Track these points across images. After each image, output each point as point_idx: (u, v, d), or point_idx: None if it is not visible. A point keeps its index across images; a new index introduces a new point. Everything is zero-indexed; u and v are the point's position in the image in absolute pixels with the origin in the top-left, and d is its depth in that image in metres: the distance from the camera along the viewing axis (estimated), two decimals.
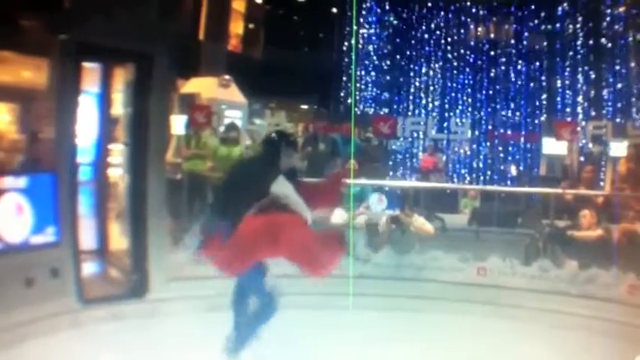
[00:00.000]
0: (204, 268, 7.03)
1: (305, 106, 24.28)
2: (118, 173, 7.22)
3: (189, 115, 10.37)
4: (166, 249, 6.70)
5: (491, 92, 17.56)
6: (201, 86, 13.91)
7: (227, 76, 14.07)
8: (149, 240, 6.34)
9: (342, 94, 18.53)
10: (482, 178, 16.82)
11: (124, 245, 6.62)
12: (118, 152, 7.14)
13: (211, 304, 6.43)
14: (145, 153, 6.38)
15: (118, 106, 7.00)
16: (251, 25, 23.41)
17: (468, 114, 17.27)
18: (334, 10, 20.69)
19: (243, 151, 10.63)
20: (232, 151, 9.70)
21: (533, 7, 17.25)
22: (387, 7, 18.29)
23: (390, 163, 16.23)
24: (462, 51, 17.80)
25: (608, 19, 16.13)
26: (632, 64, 15.66)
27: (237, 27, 21.97)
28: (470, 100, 17.66)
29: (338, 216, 8.59)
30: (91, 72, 6.70)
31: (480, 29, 17.98)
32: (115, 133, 7.26)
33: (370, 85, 18.46)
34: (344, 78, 18.38)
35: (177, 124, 10.98)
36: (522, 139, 16.34)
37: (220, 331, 5.65)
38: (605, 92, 16.33)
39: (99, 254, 7.01)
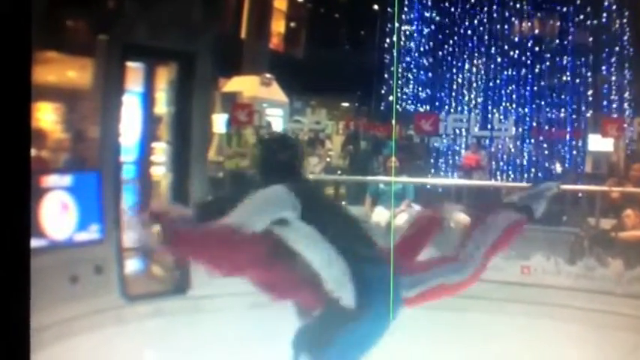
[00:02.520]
0: None
1: (346, 104, 24.24)
2: (160, 172, 7.28)
3: (230, 114, 10.43)
4: None
5: (535, 88, 17.23)
6: (243, 85, 14.00)
7: (268, 75, 14.14)
8: None
9: (383, 92, 18.42)
10: (526, 175, 16.53)
11: None
12: (160, 151, 7.21)
13: (254, 301, 6.40)
14: (187, 151, 6.43)
15: (161, 105, 7.05)
16: (292, 24, 23.47)
17: (512, 111, 16.98)
18: (376, 7, 20.61)
19: None
20: None
21: (578, 1, 16.89)
22: (429, 3, 18.10)
23: (432, 160, 16.09)
24: (506, 47, 17.51)
25: None
26: None
27: (278, 25, 22.05)
28: (514, 96, 17.37)
29: (379, 214, 8.55)
30: (134, 71, 6.76)
31: (524, 25, 17.67)
32: (157, 131, 7.33)
33: (412, 82, 18.31)
34: (385, 75, 18.26)
35: (219, 122, 11.07)
36: (567, 136, 16.04)
37: (263, 327, 5.68)
38: None
39: (142, 251, 7.08)
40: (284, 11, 22.56)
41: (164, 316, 5.96)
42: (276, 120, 13.27)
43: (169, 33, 5.96)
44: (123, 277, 5.96)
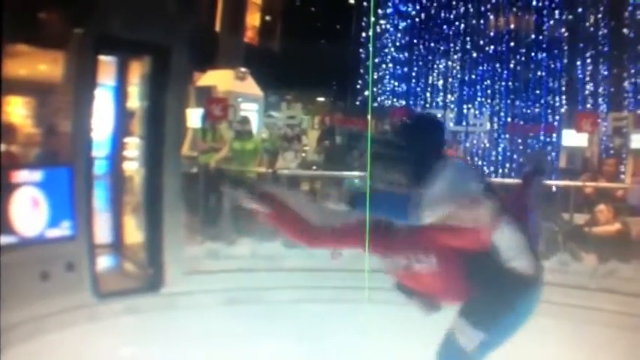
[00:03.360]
0: (220, 262, 7.10)
1: (322, 99, 24.25)
2: (133, 167, 7.23)
3: (205, 108, 10.36)
4: (182, 242, 6.71)
5: (510, 84, 17.37)
6: (218, 79, 13.93)
7: (243, 69, 14.07)
8: (165, 233, 6.35)
9: (359, 87, 18.45)
10: (500, 170, 16.68)
11: (140, 239, 6.64)
12: (133, 146, 7.16)
13: (229, 298, 6.45)
14: (160, 146, 6.38)
15: (134, 100, 7.00)
16: (268, 17, 23.41)
17: (487, 106, 17.11)
18: (352, 1, 20.62)
19: (260, 145, 10.63)
20: (246, 144, 9.70)
21: None
22: None
23: None
24: (481, 42, 17.63)
25: (630, 8, 15.92)
26: None
27: (253, 19, 21.98)
28: (489, 91, 17.50)
29: None
30: (107, 65, 6.71)
31: (499, 20, 17.80)
32: (131, 126, 7.28)
33: (388, 76, 18.36)
34: (361, 70, 18.29)
35: (194, 117, 11.01)
36: (542, 131, 16.19)
37: (238, 324, 5.68)
38: (626, 83, 16.13)
39: (114, 248, 7.03)
40: (259, 4, 22.49)
41: (138, 313, 5.92)
42: (251, 114, 13.22)
43: (143, 26, 5.90)
44: (95, 275, 5.91)
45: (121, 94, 7.06)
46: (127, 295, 6.13)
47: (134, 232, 6.91)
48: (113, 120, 7.12)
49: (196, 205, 8.51)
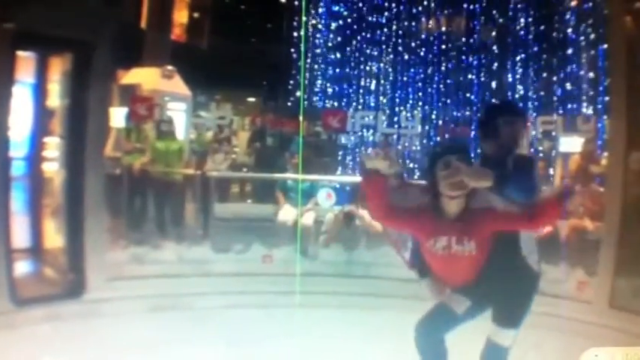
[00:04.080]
0: (145, 267, 7.04)
1: (252, 99, 24.20)
2: (53, 168, 7.10)
3: (129, 108, 10.22)
4: (105, 247, 6.63)
5: (442, 86, 17.77)
6: (143, 77, 13.73)
7: (170, 67, 13.91)
8: (86, 238, 6.26)
9: (290, 87, 18.51)
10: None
11: (60, 243, 6.53)
12: (54, 146, 7.04)
13: (154, 305, 6.41)
14: (82, 147, 6.30)
15: (55, 98, 6.89)
16: (196, 14, 23.21)
17: (419, 108, 17.44)
18: None
19: (185, 145, 10.56)
20: (170, 145, 9.63)
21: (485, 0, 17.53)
22: None
23: (340, 158, 16.33)
24: (413, 44, 17.97)
25: (559, 12, 16.50)
26: (583, 59, 16.06)
27: (181, 15, 21.76)
28: (420, 94, 17.85)
29: (286, 213, 8.64)
30: (26, 61, 6.57)
31: (431, 22, 18.18)
32: (51, 125, 7.15)
33: (320, 77, 18.49)
34: (293, 70, 18.36)
35: (117, 116, 10.83)
36: (473, 134, 16.60)
37: (163, 332, 5.64)
38: (555, 87, 16.72)
39: (33, 253, 6.89)
40: (187, 1, 22.29)
41: (58, 321, 5.82)
42: (179, 114, 13.11)
43: (64, 21, 5.81)
44: (12, 280, 5.78)
45: (40, 91, 6.94)
46: (47, 302, 6.03)
47: (54, 236, 6.80)
48: (32, 119, 6.99)
49: (120, 208, 8.42)
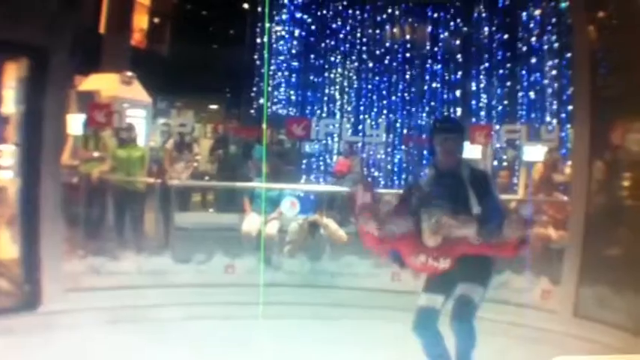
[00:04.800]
0: (104, 278, 6.95)
1: (214, 106, 24.11)
2: (8, 176, 6.99)
3: (87, 114, 10.10)
4: (61, 258, 6.52)
5: (406, 95, 17.91)
6: (101, 83, 13.58)
7: (130, 73, 13.79)
8: (42, 248, 6.16)
9: (253, 94, 18.48)
10: (397, 182, 17.13)
11: (15, 254, 6.41)
12: (8, 153, 6.92)
13: (112, 317, 6.32)
14: (38, 155, 6.21)
15: (10, 104, 6.78)
16: (157, 19, 23.05)
17: (383, 117, 17.55)
18: (245, 5, 20.65)
19: (147, 153, 10.47)
20: (132, 152, 9.55)
21: (449, 8, 17.74)
22: (301, 4, 18.36)
23: (304, 166, 16.34)
24: (377, 52, 18.09)
25: (523, 22, 16.78)
26: (547, 68, 16.34)
27: (141, 20, 21.58)
28: (385, 102, 17.98)
29: (250, 222, 8.60)
30: None
31: (395, 30, 18.32)
32: (5, 132, 7.04)
33: (283, 85, 18.50)
34: (256, 77, 18.33)
35: (75, 123, 10.68)
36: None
37: (122, 345, 5.57)
38: (519, 96, 16.97)
39: None
40: (147, 6, 22.11)
41: (12, 334, 5.69)
42: (139, 121, 12.99)
43: (19, 25, 5.73)
44: None
45: None
46: (1, 315, 5.91)
47: (9, 247, 6.68)
48: None
49: (77, 218, 8.30)
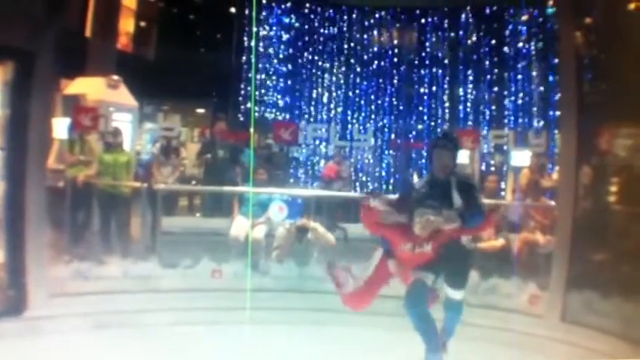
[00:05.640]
0: (89, 283, 6.92)
1: (201, 110, 24.06)
2: None
3: (72, 118, 10.07)
4: (47, 263, 6.50)
5: (394, 100, 17.97)
6: (87, 87, 13.52)
7: (116, 77, 13.74)
8: (27, 253, 6.14)
9: (240, 98, 18.48)
10: (385, 186, 17.17)
11: (0, 259, 6.38)
12: None
13: (98, 322, 6.31)
14: (23, 158, 6.20)
15: None
16: (143, 23, 22.98)
17: (371, 121, 17.60)
18: (233, 9, 20.65)
19: (133, 157, 10.45)
20: (118, 157, 9.52)
21: (437, 14, 17.82)
22: (288, 9, 18.40)
23: (292, 170, 16.35)
24: (365, 56, 18.15)
25: (510, 27, 16.91)
26: (534, 73, 16.46)
27: (127, 24, 21.50)
28: (373, 107, 18.02)
29: (238, 226, 8.59)
30: None
31: (383, 35, 18.39)
32: None
33: (271, 89, 18.51)
34: (243, 81, 18.34)
35: (60, 127, 10.64)
36: (425, 147, 16.81)
37: (108, 350, 5.55)
38: (507, 101, 17.08)
39: None
40: (133, 9, 22.04)
41: None
42: (125, 125, 12.96)
43: (4, 28, 5.71)
44: None
45: None
46: None
47: None
48: None
49: (63, 222, 8.26)
